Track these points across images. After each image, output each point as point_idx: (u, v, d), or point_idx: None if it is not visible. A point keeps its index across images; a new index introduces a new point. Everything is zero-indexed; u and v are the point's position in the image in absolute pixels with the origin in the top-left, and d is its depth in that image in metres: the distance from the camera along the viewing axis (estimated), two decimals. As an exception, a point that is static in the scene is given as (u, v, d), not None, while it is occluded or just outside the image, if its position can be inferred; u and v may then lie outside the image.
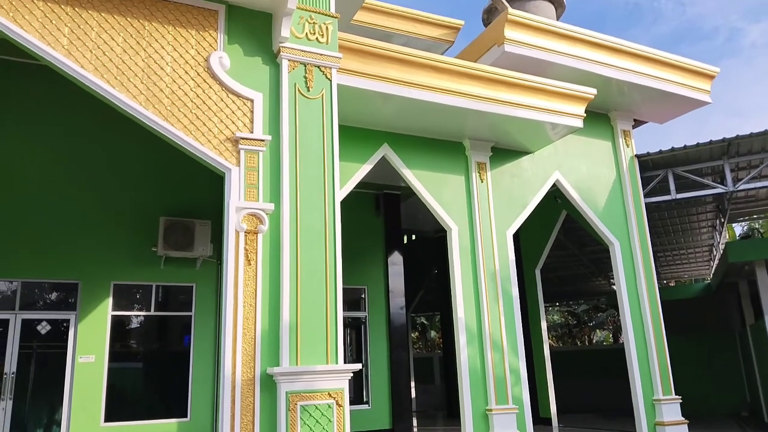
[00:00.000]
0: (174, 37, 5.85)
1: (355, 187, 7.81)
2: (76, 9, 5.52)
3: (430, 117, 7.89)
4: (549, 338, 20.92)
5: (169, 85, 5.71)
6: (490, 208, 8.52)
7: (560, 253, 14.78)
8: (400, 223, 11.92)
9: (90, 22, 5.53)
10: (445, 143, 8.58)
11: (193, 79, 5.82)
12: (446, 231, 8.37)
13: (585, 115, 8.64)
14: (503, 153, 8.99)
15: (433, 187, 8.28)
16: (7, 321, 8.57)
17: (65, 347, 8.71)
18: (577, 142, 9.71)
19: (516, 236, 9.23)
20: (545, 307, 12.64)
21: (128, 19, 5.70)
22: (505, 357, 8.07)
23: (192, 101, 5.76)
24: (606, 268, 16.65)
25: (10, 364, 8.42)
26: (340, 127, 6.89)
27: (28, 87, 8.73)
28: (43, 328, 8.70)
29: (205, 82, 5.87)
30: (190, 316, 9.52)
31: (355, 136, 7.78)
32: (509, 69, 8.23)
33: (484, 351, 7.96)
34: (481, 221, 8.38)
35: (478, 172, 8.58)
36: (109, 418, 8.69)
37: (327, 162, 6.18)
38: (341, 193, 7.03)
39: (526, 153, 9.20)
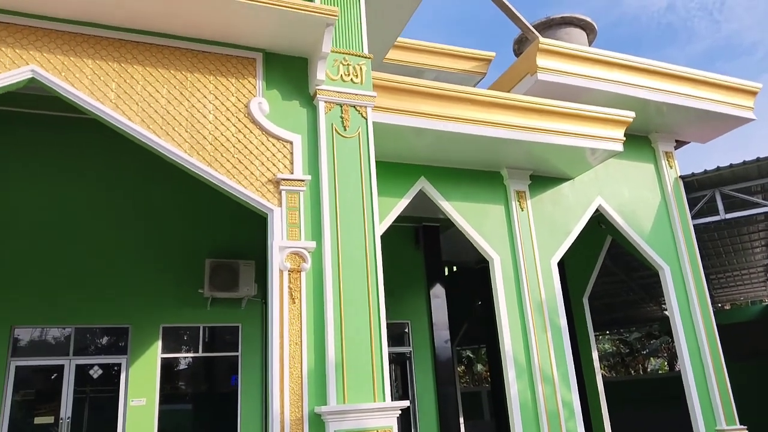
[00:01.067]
0: (215, 86, 6.08)
1: (393, 221, 7.85)
2: (123, 65, 5.81)
3: (465, 148, 7.91)
4: (601, 368, 20.24)
5: (212, 132, 5.91)
6: (533, 236, 8.41)
7: (608, 279, 14.40)
8: (441, 255, 11.85)
9: (135, 77, 5.81)
10: (483, 173, 8.56)
11: (234, 125, 6.02)
12: (488, 262, 8.29)
13: (624, 138, 8.52)
14: (543, 180, 8.90)
15: (472, 218, 8.24)
16: (62, 366, 8.82)
17: (117, 391, 8.89)
18: (618, 166, 9.55)
19: (561, 264, 9.03)
20: (595, 336, 12.26)
21: (171, 71, 5.96)
22: (557, 390, 7.83)
23: (234, 146, 5.94)
24: (657, 294, 16.11)
25: (66, 409, 8.63)
26: (377, 162, 6.98)
27: (75, 139, 9.14)
28: (95, 373, 8.91)
29: (246, 127, 6.05)
30: (237, 356, 9.60)
31: (392, 170, 7.85)
32: (544, 97, 8.21)
33: (535, 384, 7.75)
34: (523, 250, 8.27)
35: (518, 201, 8.51)
36: (161, 460, 8.77)
37: (366, 198, 6.25)
38: (381, 228, 7.07)
39: (566, 179, 9.08)
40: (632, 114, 8.54)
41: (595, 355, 11.80)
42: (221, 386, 9.63)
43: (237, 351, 9.63)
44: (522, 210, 8.48)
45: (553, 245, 8.57)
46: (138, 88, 5.78)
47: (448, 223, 9.91)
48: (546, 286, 8.27)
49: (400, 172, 7.96)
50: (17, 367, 8.55)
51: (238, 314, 9.70)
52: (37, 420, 8.54)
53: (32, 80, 5.54)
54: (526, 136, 7.76)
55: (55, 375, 8.80)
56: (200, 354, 9.54)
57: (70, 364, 8.84)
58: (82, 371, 8.88)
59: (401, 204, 7.83)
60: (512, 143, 7.82)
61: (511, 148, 7.97)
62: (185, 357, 9.50)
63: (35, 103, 8.59)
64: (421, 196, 8.19)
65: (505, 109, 7.69)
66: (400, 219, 8.30)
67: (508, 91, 8.82)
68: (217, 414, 9.38)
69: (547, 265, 8.41)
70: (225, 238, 9.72)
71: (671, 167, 10.00)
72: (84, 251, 8.97)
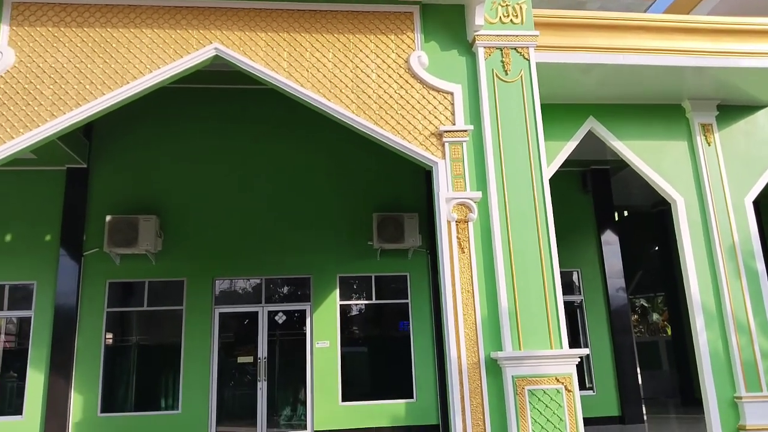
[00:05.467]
0: (376, 45, 6.21)
1: (559, 166, 7.53)
2: (291, 34, 6.15)
3: (639, 81, 7.25)
4: (804, 318, 17.90)
5: (376, 90, 6.08)
6: (722, 174, 7.54)
7: (813, 218, 12.56)
8: (612, 200, 11.19)
9: (304, 44, 6.12)
10: (660, 107, 7.80)
11: (396, 82, 6.12)
12: (668, 204, 7.64)
13: (838, 53, 7.21)
14: (732, 110, 7.88)
15: (649, 157, 7.59)
16: (256, 313, 9.94)
17: (304, 335, 9.85)
18: (827, 87, 8.14)
19: (756, 203, 8.04)
20: (798, 281, 10.86)
21: (335, 35, 6.19)
22: (754, 340, 7.11)
23: (397, 102, 6.07)
24: None
25: (262, 350, 9.77)
26: (542, 105, 6.66)
27: (258, 110, 10.11)
28: (280, 318, 9.94)
29: (407, 82, 6.13)
30: (407, 303, 10.11)
31: (558, 112, 7.45)
32: (731, 15, 7.21)
33: (728, 334, 7.11)
34: (712, 190, 7.47)
35: (704, 135, 7.65)
36: (345, 398, 9.63)
37: (531, 144, 6.08)
38: (547, 174, 6.82)
39: (761, 107, 7.96)
40: None
41: (798, 303, 10.47)
42: (392, 331, 10.24)
43: (406, 298, 10.14)
44: (709, 145, 7.62)
45: (747, 182, 7.62)
46: (307, 55, 6.10)
47: (620, 165, 9.28)
48: (740, 228, 7.44)
49: (567, 113, 7.54)
50: (220, 314, 9.81)
51: (405, 264, 10.16)
52: (240, 359, 9.81)
53: (216, 57, 6.10)
54: (713, 62, 6.89)
55: (247, 320, 9.96)
56: (373, 301, 10.17)
57: (263, 311, 9.93)
58: (272, 317, 9.95)
59: (568, 147, 7.46)
60: (696, 71, 7.01)
61: (695, 76, 7.15)
62: (359, 304, 10.19)
63: (211, 78, 9.49)
64: (589, 137, 7.72)
65: (687, 34, 6.88)
66: (565, 163, 7.92)
67: (688, 13, 7.88)
68: (392, 357, 10.02)
69: (741, 205, 7.53)
70: (389, 193, 10.18)
71: None
72: (269, 212, 10.04)
